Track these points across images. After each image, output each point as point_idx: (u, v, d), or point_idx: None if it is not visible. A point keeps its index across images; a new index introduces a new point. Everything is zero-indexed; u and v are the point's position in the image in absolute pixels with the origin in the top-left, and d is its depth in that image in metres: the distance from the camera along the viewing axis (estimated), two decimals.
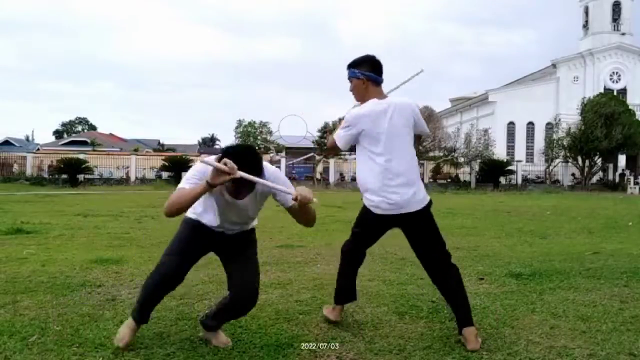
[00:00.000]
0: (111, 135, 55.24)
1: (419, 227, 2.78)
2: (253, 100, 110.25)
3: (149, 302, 2.55)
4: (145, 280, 2.58)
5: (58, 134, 72.23)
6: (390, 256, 5.31)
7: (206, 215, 2.56)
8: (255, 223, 2.74)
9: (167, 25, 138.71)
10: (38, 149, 40.20)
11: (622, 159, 36.81)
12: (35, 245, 5.70)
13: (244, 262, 2.60)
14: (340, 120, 3.23)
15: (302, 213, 2.45)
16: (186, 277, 4.19)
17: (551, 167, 35.15)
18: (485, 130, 37.88)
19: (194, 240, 2.58)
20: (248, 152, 2.33)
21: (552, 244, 6.42)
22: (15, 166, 30.19)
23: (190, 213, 2.59)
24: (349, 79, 2.90)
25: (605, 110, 32.12)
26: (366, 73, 2.83)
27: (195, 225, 2.58)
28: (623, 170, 35.93)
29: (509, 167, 32.75)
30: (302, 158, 34.84)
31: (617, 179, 34.49)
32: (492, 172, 31.38)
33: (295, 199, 2.29)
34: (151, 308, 2.57)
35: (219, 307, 2.62)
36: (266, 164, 2.43)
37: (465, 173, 33.98)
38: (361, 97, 2.87)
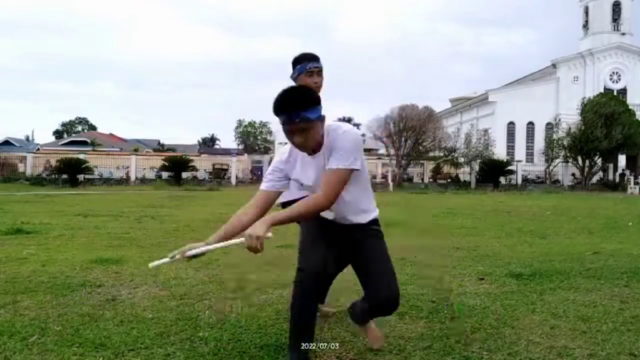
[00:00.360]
0: (111, 135, 55.24)
1: None
2: (253, 100, 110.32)
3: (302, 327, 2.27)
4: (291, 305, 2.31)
5: (58, 134, 72.27)
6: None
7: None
8: (372, 212, 2.40)
9: (167, 25, 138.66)
10: (38, 149, 40.19)
11: (622, 159, 36.82)
12: (35, 246, 5.70)
13: (375, 261, 2.37)
14: None
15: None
16: (186, 276, 4.18)
17: (551, 167, 35.15)
18: (485, 130, 37.90)
19: (315, 229, 2.33)
20: (285, 98, 2.10)
21: (552, 244, 6.42)
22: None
23: None
24: None
25: (605, 110, 32.14)
26: None
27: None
28: (623, 170, 35.93)
29: (509, 167, 32.75)
30: None
31: (617, 179, 34.50)
32: (492, 172, 31.38)
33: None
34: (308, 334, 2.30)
35: (364, 306, 2.44)
36: (330, 124, 2.19)
37: (465, 173, 33.98)
38: None
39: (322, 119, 2.14)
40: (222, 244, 2.07)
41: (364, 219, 2.37)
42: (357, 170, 2.16)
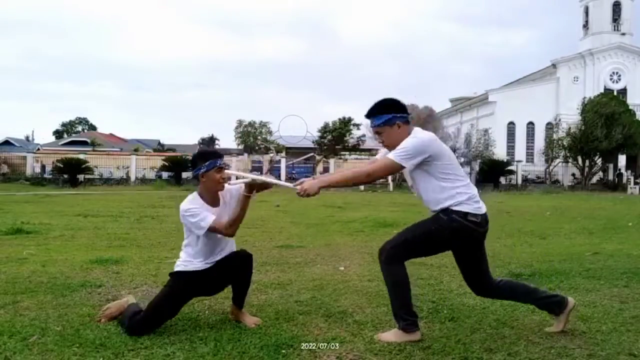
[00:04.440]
0: (111, 135, 55.18)
1: None
2: (253, 100, 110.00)
3: None
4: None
5: (58, 134, 72.14)
6: None
7: None
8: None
9: (168, 26, 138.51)
10: (38, 149, 40.18)
11: (622, 159, 36.82)
12: (35, 246, 5.70)
13: None
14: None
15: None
16: None
17: (551, 167, 35.14)
18: (486, 131, 37.89)
19: None
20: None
21: (552, 245, 6.42)
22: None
23: None
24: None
25: (605, 110, 32.11)
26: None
27: None
28: (620, 170, 35.89)
29: (509, 167, 32.77)
30: (302, 158, 34.84)
31: (617, 179, 34.50)
32: (492, 172, 31.36)
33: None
34: None
35: None
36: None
37: (465, 173, 33.95)
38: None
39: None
40: (275, 181, 2.83)
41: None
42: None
